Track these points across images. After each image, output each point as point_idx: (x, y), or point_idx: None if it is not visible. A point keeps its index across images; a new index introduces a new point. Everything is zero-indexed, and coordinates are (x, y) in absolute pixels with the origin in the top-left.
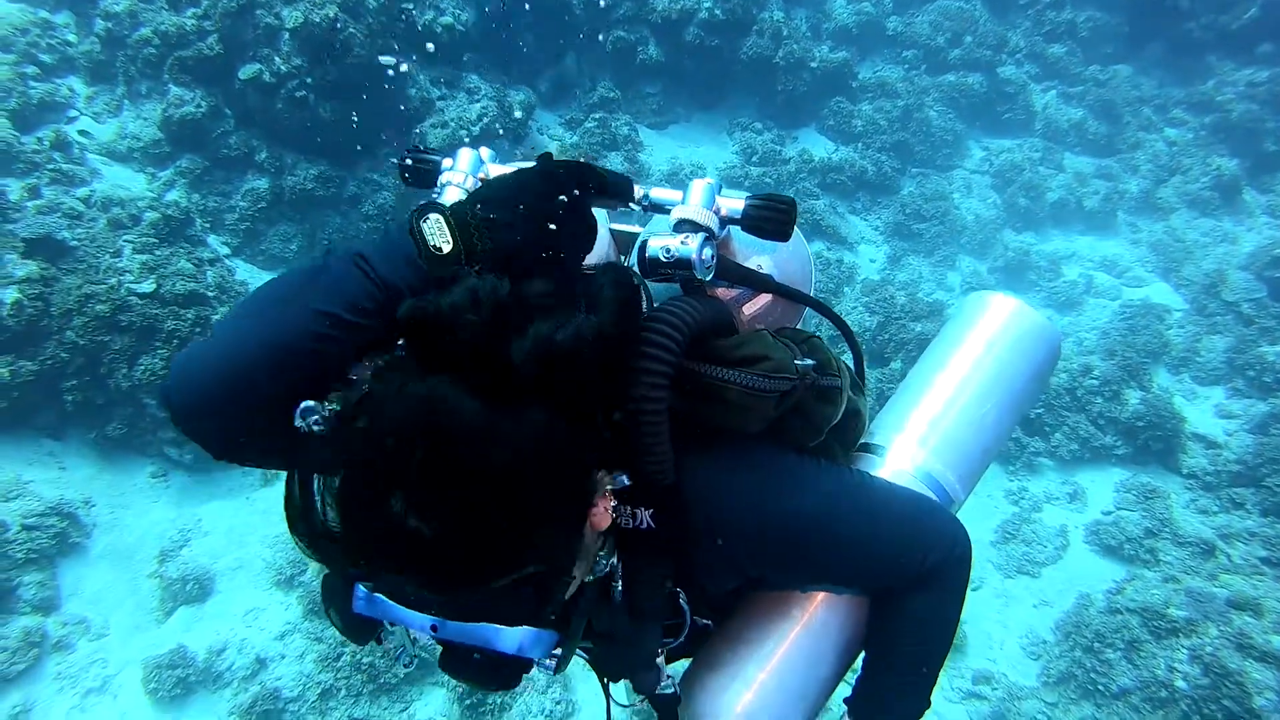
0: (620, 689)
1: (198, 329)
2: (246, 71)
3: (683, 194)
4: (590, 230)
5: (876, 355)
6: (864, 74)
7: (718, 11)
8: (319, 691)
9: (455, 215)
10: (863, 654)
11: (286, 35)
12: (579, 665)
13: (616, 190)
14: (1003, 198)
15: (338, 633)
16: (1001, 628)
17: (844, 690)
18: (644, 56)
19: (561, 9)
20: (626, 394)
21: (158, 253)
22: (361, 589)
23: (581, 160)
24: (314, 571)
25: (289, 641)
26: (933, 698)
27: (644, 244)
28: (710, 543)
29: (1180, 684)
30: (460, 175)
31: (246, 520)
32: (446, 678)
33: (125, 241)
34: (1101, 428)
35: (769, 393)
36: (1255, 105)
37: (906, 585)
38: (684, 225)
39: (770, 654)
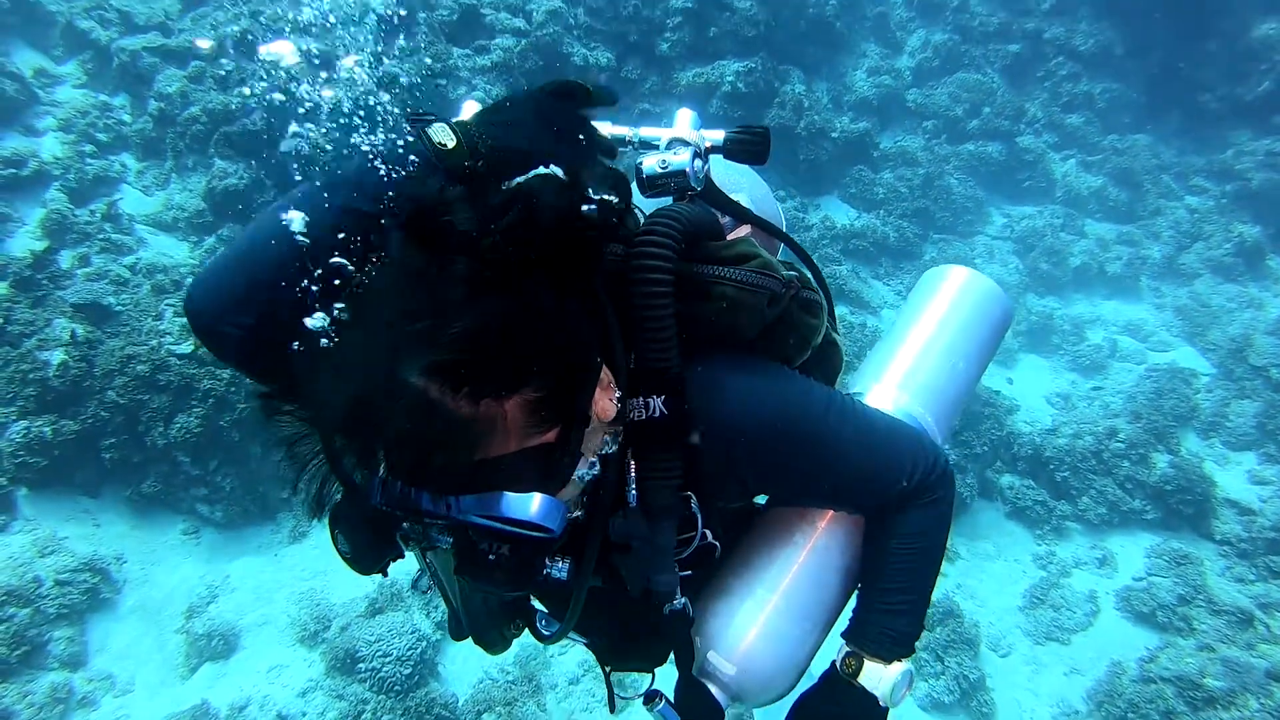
0: (622, 686)
1: (232, 388)
2: (287, 145)
3: (670, 127)
4: (588, 136)
5: None
6: (885, 143)
7: (740, 85)
8: None
9: (458, 122)
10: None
11: (325, 112)
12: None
13: (603, 98)
14: (1025, 263)
15: (346, 562)
16: (1032, 696)
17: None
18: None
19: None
20: (629, 280)
21: None
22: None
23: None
24: (336, 629)
25: (310, 699)
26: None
27: (639, 165)
28: (712, 440)
29: None
30: None
31: (274, 577)
32: None
33: (167, 305)
34: (1129, 491)
35: (761, 289)
36: (1276, 174)
37: (894, 501)
38: (675, 143)
39: (777, 577)
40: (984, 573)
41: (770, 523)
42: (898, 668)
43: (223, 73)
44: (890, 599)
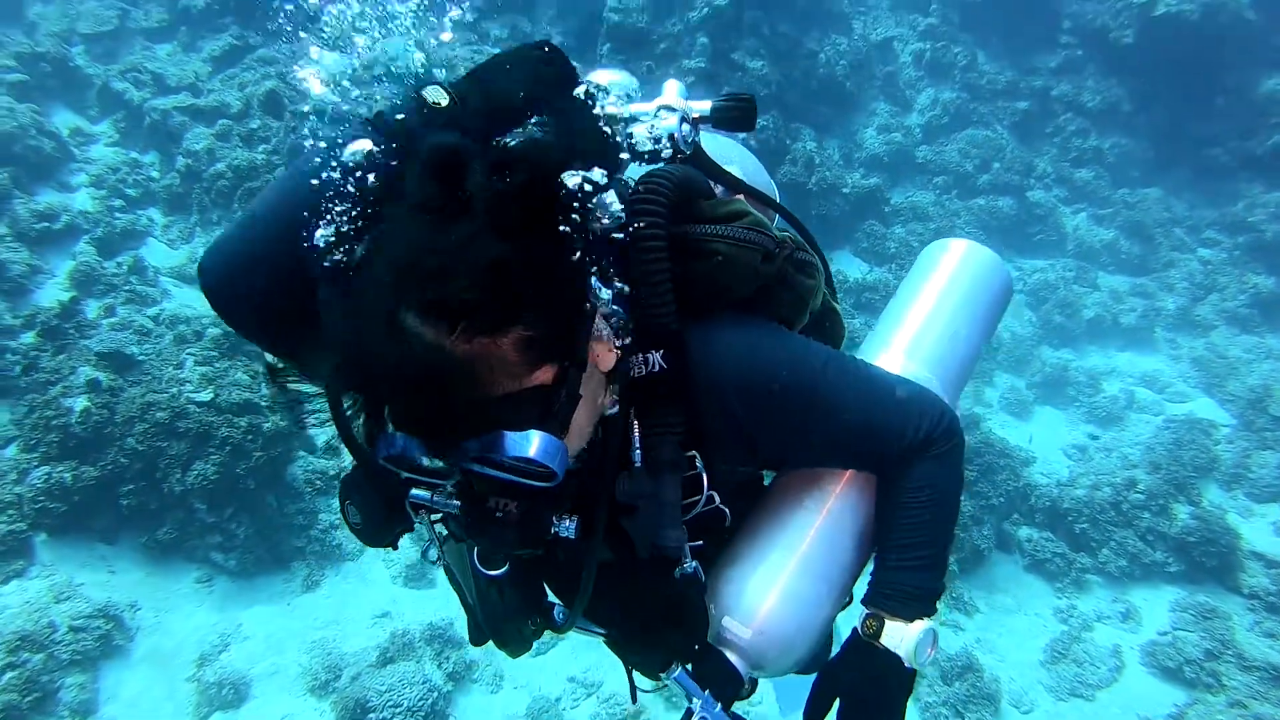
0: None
1: (249, 436)
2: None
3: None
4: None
5: None
6: (896, 199)
7: (752, 142)
8: None
9: (450, 83)
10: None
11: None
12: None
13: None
14: (1038, 315)
15: (356, 534)
16: None
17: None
18: None
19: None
20: (626, 233)
21: (217, 365)
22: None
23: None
24: (347, 679)
25: None
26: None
27: (629, 134)
28: (711, 392)
29: None
30: None
31: (286, 625)
32: None
33: (188, 354)
34: (1151, 543)
35: (754, 244)
36: None
37: (902, 455)
38: (663, 111)
39: (789, 542)
40: (1003, 626)
41: (780, 492)
42: (919, 625)
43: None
44: (905, 555)
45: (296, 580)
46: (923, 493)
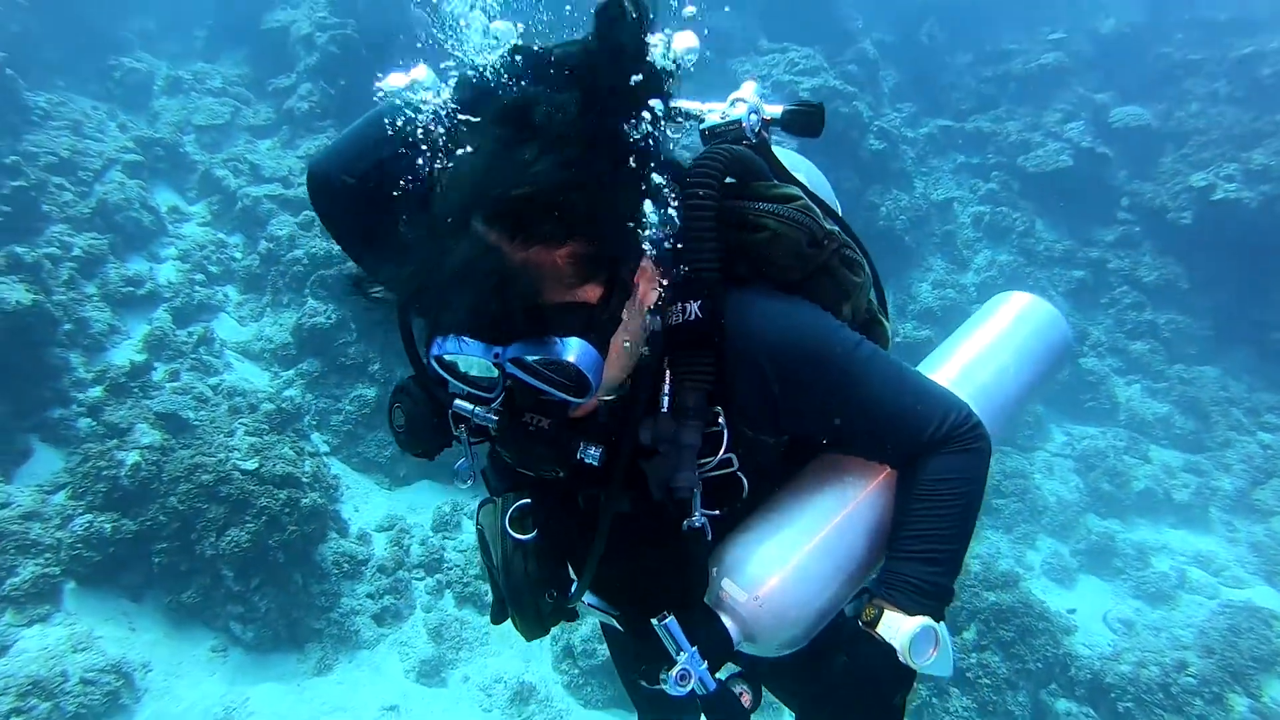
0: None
1: (287, 509)
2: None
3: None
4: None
5: (950, 623)
6: None
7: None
8: None
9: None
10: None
11: None
12: None
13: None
14: (1085, 482)
15: (398, 440)
16: None
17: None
18: None
19: None
20: (677, 195)
21: (266, 437)
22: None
23: None
24: None
25: None
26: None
27: (702, 120)
28: (742, 348)
29: None
30: None
31: (293, 707)
32: None
33: (240, 424)
34: None
35: (801, 225)
36: None
37: (925, 445)
38: (736, 102)
39: (801, 519)
40: None
41: (807, 477)
42: (918, 620)
43: None
44: (915, 546)
45: (310, 662)
46: (941, 485)
